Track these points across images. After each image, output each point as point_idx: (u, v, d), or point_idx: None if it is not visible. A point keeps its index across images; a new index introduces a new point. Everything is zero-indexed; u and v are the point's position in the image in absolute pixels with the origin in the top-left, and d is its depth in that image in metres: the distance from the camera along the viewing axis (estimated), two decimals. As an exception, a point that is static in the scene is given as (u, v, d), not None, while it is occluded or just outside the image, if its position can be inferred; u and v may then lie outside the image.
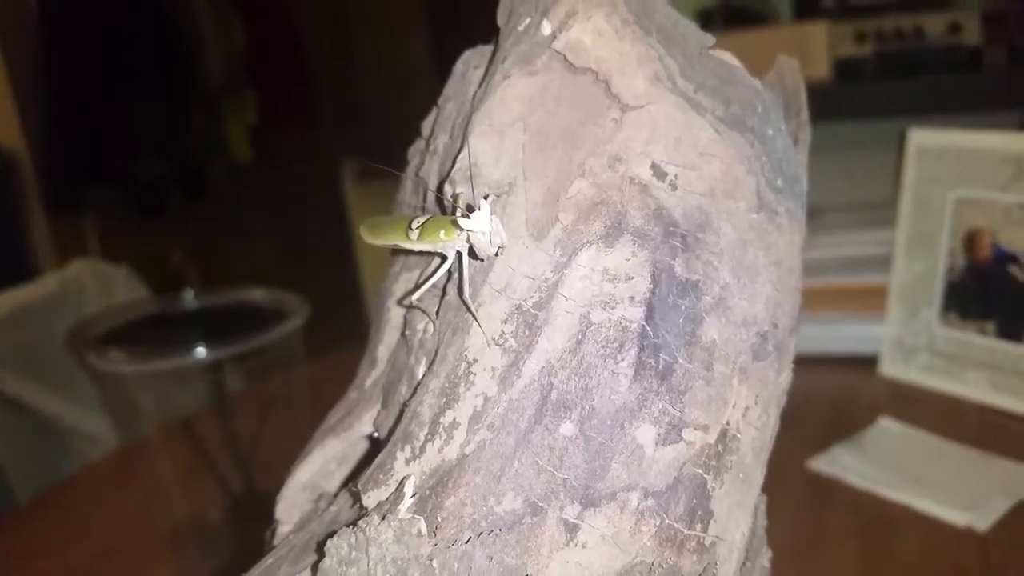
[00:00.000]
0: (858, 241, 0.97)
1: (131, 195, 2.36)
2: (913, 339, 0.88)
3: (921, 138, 0.87)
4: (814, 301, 0.94)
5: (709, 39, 0.35)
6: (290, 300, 0.91)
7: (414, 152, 0.40)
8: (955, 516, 0.64)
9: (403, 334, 0.36)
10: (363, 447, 0.40)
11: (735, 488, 0.32)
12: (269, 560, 0.36)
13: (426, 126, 0.40)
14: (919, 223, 0.88)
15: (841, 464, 0.73)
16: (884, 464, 0.72)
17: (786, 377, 0.36)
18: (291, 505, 0.39)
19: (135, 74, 2.23)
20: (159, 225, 2.42)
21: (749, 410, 0.33)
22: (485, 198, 0.31)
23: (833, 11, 1.40)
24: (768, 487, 0.73)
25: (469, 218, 0.30)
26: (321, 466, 0.39)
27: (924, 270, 0.87)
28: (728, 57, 0.35)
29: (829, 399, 0.88)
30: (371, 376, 0.39)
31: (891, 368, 0.89)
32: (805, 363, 0.95)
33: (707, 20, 1.50)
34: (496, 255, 0.31)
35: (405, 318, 0.37)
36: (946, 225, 0.86)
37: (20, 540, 0.88)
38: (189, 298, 1.01)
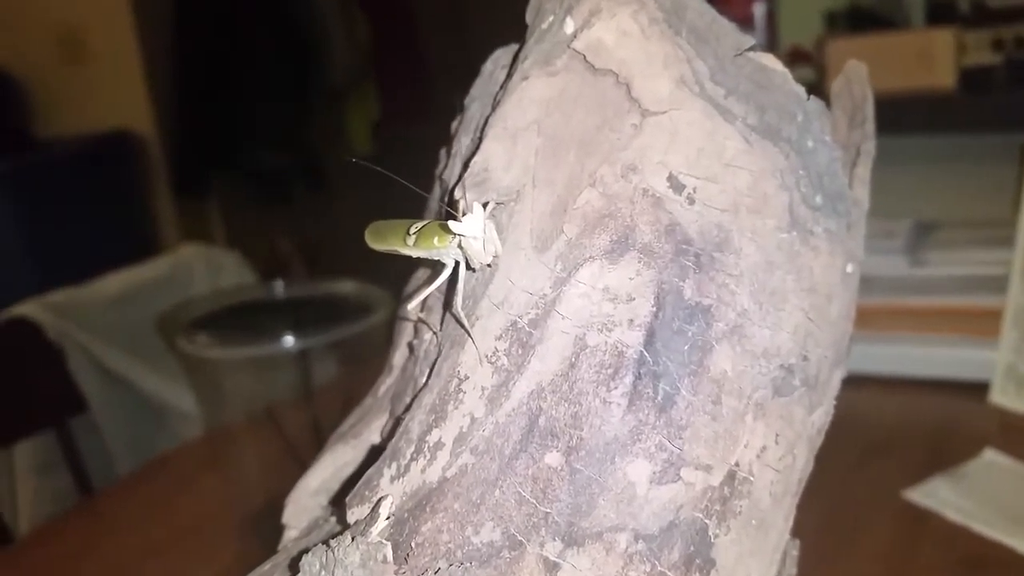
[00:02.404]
0: (973, 260, 0.91)
1: (254, 184, 2.44)
2: (1028, 367, 0.81)
3: (1046, 153, 0.80)
4: (922, 321, 0.88)
5: (747, 40, 0.32)
6: (376, 294, 0.92)
7: (443, 154, 0.39)
8: (1056, 564, 0.58)
9: (410, 343, 0.35)
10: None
11: (746, 535, 0.29)
12: (266, 566, 0.35)
13: (453, 127, 0.38)
14: (1039, 244, 0.81)
15: (939, 497, 0.68)
16: (985, 500, 0.67)
17: (822, 415, 0.32)
18: (300, 510, 0.38)
19: (263, 67, 2.30)
20: (281, 214, 2.49)
21: (767, 450, 0.29)
22: (485, 205, 0.29)
23: (969, 17, 1.31)
24: (859, 515, 0.69)
25: (461, 222, 0.28)
26: (333, 472, 0.38)
27: (1042, 295, 0.80)
28: (769, 60, 0.32)
29: (932, 426, 0.83)
30: (385, 383, 0.38)
31: (1002, 397, 0.82)
32: (908, 386, 0.90)
33: (832, 22, 1.43)
34: (490, 265, 0.29)
35: (415, 326, 0.35)
36: (1068, 248, 0.79)
37: (113, 512, 0.91)
38: (280, 288, 1.03)
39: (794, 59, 1.38)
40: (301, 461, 0.94)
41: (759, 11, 1.31)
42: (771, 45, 1.31)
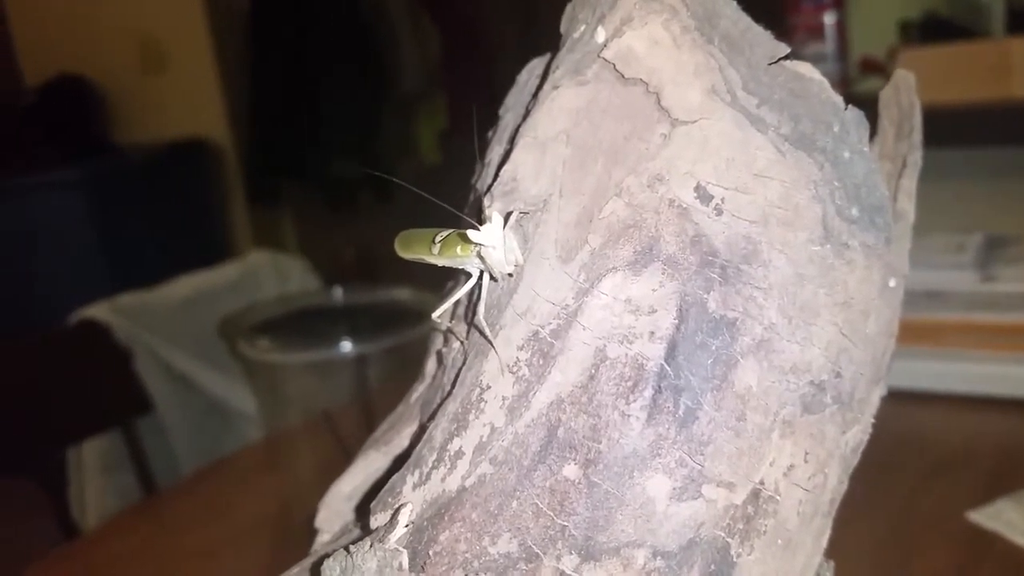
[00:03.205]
0: (1049, 276, 0.87)
1: (325, 192, 2.48)
2: (1103, 388, 0.77)
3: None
4: (992, 338, 0.86)
5: (782, 48, 0.31)
6: (433, 301, 0.92)
7: (478, 164, 0.39)
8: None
9: (439, 352, 0.35)
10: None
11: (771, 555, 0.28)
12: (295, 570, 0.36)
13: (489, 136, 0.38)
14: (1117, 261, 0.77)
15: (1004, 519, 0.66)
16: (1055, 525, 0.64)
17: (857, 433, 0.31)
18: (333, 515, 0.39)
19: (334, 77, 2.34)
20: (351, 222, 2.53)
21: (795, 469, 0.29)
22: (509, 214, 0.29)
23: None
24: (922, 535, 0.67)
25: (479, 231, 0.28)
26: (364, 478, 0.39)
27: (1119, 314, 0.77)
28: (806, 69, 0.31)
29: (1000, 446, 0.80)
30: (417, 391, 0.38)
31: (1073, 418, 0.79)
32: (976, 404, 0.87)
33: (906, 32, 1.40)
34: (511, 274, 0.29)
35: (445, 335, 0.35)
36: None
37: (174, 512, 0.94)
38: (339, 294, 1.05)
39: (865, 69, 1.35)
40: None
41: (829, 20, 1.28)
42: (842, 55, 1.28)
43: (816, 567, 0.32)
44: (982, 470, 0.76)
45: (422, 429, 0.32)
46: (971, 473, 0.76)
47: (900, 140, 0.36)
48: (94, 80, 2.54)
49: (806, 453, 0.29)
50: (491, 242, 0.27)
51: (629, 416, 0.27)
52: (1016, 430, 0.83)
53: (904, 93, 0.37)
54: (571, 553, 0.27)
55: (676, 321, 0.27)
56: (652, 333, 0.27)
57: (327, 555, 0.29)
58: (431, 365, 0.38)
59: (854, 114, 0.31)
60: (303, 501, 0.88)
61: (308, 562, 0.35)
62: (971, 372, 0.86)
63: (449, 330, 0.34)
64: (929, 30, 1.36)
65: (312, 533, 0.83)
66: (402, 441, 0.37)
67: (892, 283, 0.32)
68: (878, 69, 1.29)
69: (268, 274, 1.41)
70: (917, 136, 0.36)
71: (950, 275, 0.91)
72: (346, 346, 0.91)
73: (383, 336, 0.91)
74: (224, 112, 2.45)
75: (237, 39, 2.38)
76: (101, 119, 2.57)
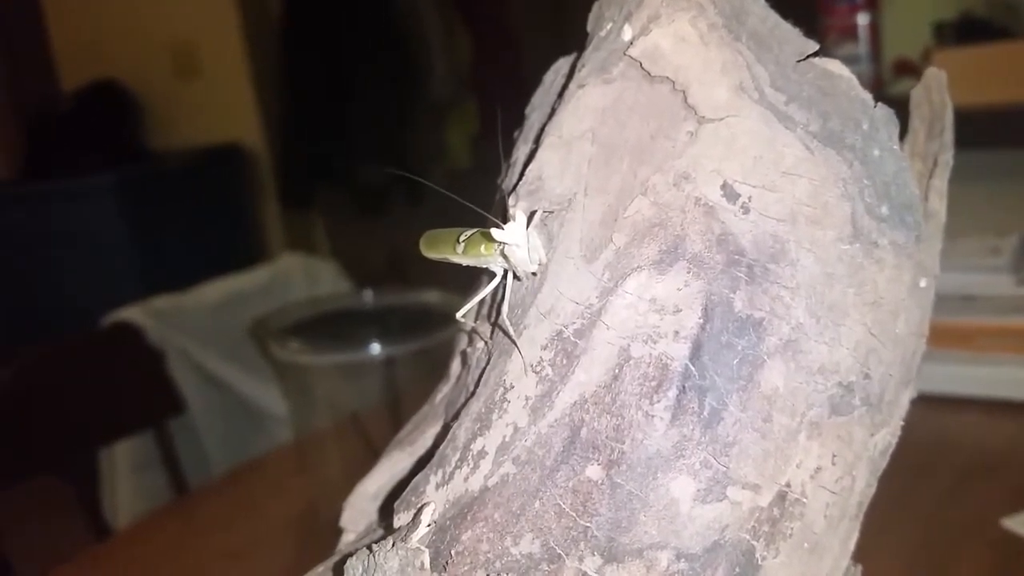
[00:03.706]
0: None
1: (357, 196, 2.49)
2: None
3: None
4: (1026, 341, 0.84)
5: (811, 45, 0.30)
6: (460, 303, 0.92)
7: (504, 164, 0.39)
8: None
9: (463, 351, 0.35)
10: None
11: (797, 559, 0.28)
12: (319, 569, 0.36)
13: (516, 136, 0.38)
14: None
15: (1039, 527, 0.65)
16: (1089, 533, 0.63)
17: (886, 436, 0.31)
18: (357, 514, 0.39)
19: (368, 84, 2.36)
20: (382, 226, 2.54)
21: (822, 471, 0.28)
22: (532, 213, 0.29)
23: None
24: (955, 541, 0.66)
25: (503, 230, 0.27)
26: (389, 478, 0.39)
27: None
28: (835, 66, 0.30)
29: (1035, 453, 0.79)
30: (442, 391, 0.38)
31: (1111, 426, 0.77)
32: (1012, 410, 0.85)
33: (941, 33, 1.38)
34: (535, 273, 0.29)
35: (469, 335, 0.35)
36: None
37: (204, 513, 0.94)
38: (369, 296, 1.05)
39: (899, 71, 1.33)
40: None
41: (862, 21, 1.27)
42: (875, 56, 1.27)
43: (843, 571, 0.31)
44: (1017, 476, 0.75)
45: (445, 429, 0.32)
46: (1005, 479, 0.74)
47: (931, 139, 0.36)
48: (130, 86, 2.58)
49: (833, 455, 0.28)
50: (515, 240, 0.27)
51: (653, 416, 0.27)
52: (1051, 436, 0.81)
53: (936, 92, 0.36)
54: (593, 554, 0.27)
55: (701, 321, 0.27)
56: (677, 333, 0.27)
57: (350, 554, 0.29)
58: (456, 366, 0.38)
59: (884, 112, 0.30)
60: (331, 502, 0.88)
61: (332, 561, 0.35)
62: (1006, 377, 0.84)
63: (473, 330, 0.34)
64: (965, 31, 1.34)
65: (337, 533, 0.84)
66: (426, 441, 0.37)
67: (923, 283, 0.32)
68: (912, 71, 1.28)
69: (299, 277, 1.42)
70: (948, 135, 0.35)
71: (985, 278, 0.89)
72: (375, 348, 0.91)
73: (412, 338, 0.91)
74: (258, 117, 2.47)
75: (270, 44, 2.40)
76: (137, 125, 2.61)
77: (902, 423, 0.32)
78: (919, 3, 1.42)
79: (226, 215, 2.50)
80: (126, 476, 1.14)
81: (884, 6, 1.30)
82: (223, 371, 1.23)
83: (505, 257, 0.28)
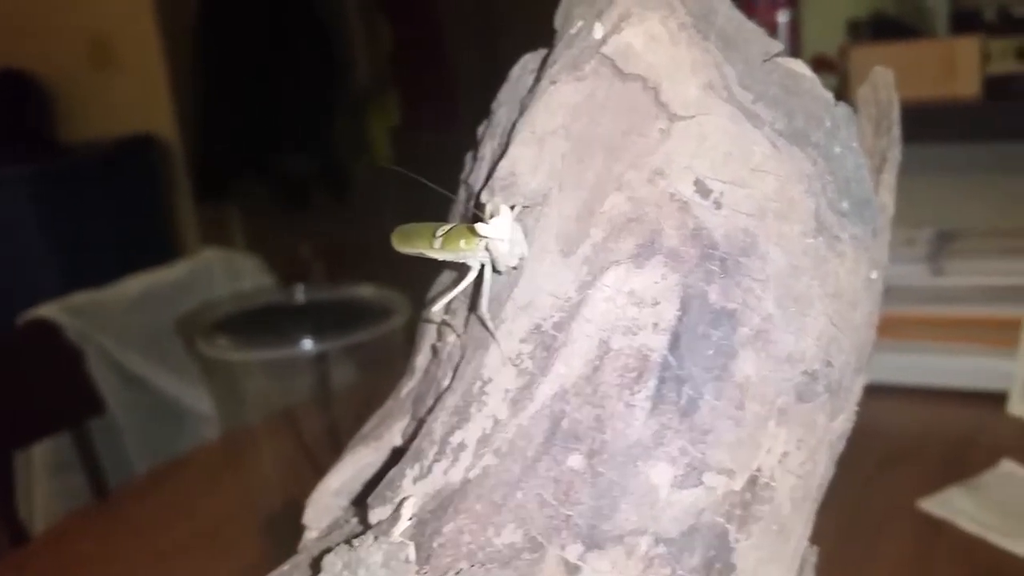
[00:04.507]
0: (995, 270, 0.90)
1: (276, 190, 2.45)
2: (1048, 379, 0.80)
3: (1070, 165, 0.80)
4: (942, 331, 0.88)
5: (776, 45, 0.32)
6: (396, 298, 0.92)
7: (469, 158, 0.39)
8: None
9: (433, 345, 0.35)
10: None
11: (766, 541, 0.29)
12: (286, 567, 0.35)
13: (480, 131, 0.38)
14: (1062, 256, 0.80)
15: (954, 507, 0.69)
16: (1002, 511, 0.67)
17: (843, 421, 0.32)
18: (321, 511, 0.38)
19: (286, 74, 2.32)
20: (301, 219, 2.51)
21: (788, 456, 0.29)
22: (512, 207, 0.29)
23: (994, 25, 1.30)
24: (874, 523, 0.68)
25: (488, 224, 0.28)
26: (353, 473, 0.38)
27: (1064, 306, 0.80)
28: (797, 65, 0.32)
29: (949, 436, 0.83)
30: (407, 386, 0.38)
31: (1019, 408, 0.82)
32: (926, 396, 0.89)
33: (855, 30, 1.43)
34: (515, 267, 0.29)
35: (439, 329, 0.35)
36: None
37: (130, 514, 0.92)
38: (300, 291, 1.03)
39: (818, 67, 1.37)
40: (318, 464, 0.95)
41: (783, 18, 1.30)
42: (795, 53, 1.30)
43: (803, 551, 0.32)
44: (932, 459, 0.79)
45: (419, 423, 0.32)
46: (922, 462, 0.78)
47: (879, 136, 0.37)
48: (41, 77, 2.48)
49: (799, 440, 0.30)
50: (500, 235, 0.28)
51: (634, 406, 0.27)
52: (964, 420, 0.85)
53: (882, 90, 0.38)
54: (576, 542, 0.27)
55: (679, 313, 0.28)
56: (656, 324, 0.28)
57: (327, 550, 0.29)
58: (421, 360, 0.38)
59: (844, 110, 0.32)
60: (265, 500, 0.87)
61: (300, 559, 0.35)
62: (921, 364, 0.88)
63: (444, 323, 0.34)
64: (878, 29, 1.39)
65: (279, 531, 0.83)
66: (393, 436, 0.37)
67: (874, 275, 0.33)
68: (830, 67, 1.32)
69: (221, 272, 1.39)
70: (896, 132, 0.37)
71: (901, 269, 0.93)
72: (307, 344, 0.90)
73: (345, 334, 0.90)
74: (173, 108, 2.41)
75: (186, 34, 2.34)
76: (48, 115, 2.51)
77: (856, 409, 0.34)
78: (835, 2, 1.46)
79: (141, 209, 2.43)
80: (43, 478, 1.10)
81: (803, 4, 1.34)
82: (144, 369, 1.20)
83: (488, 251, 0.29)
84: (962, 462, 0.76)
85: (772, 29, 1.28)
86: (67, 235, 2.21)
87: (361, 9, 2.42)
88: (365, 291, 1.00)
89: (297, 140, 2.41)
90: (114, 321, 1.18)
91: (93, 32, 2.42)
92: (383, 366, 0.87)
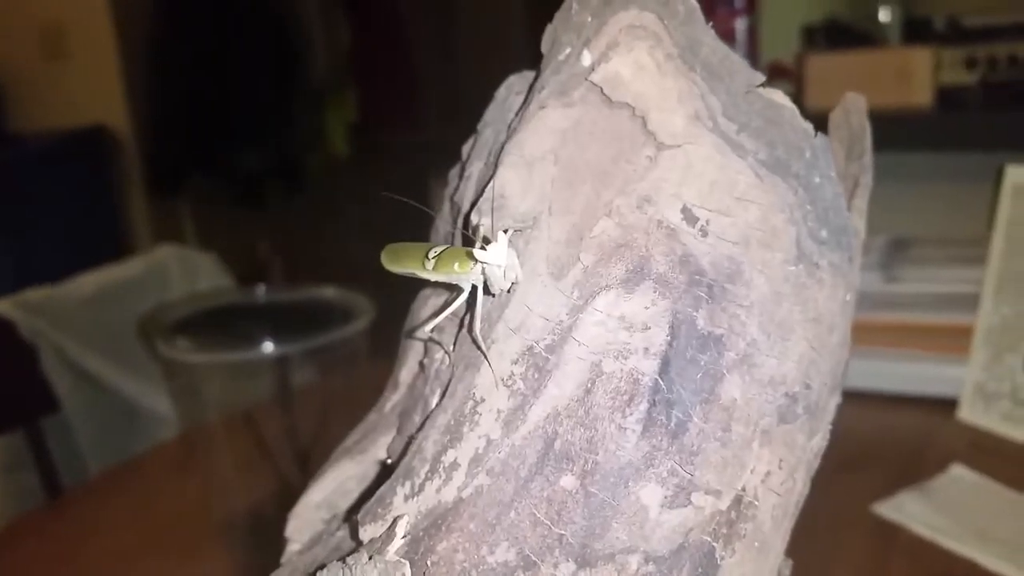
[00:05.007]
0: (946, 278, 0.93)
1: (230, 185, 2.42)
2: (996, 385, 0.83)
3: (1018, 176, 0.82)
4: (894, 337, 0.90)
5: (758, 77, 0.33)
6: (358, 300, 0.91)
7: (453, 175, 0.39)
8: (1023, 576, 0.60)
9: (421, 362, 0.35)
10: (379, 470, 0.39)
11: (748, 557, 0.30)
12: (271, 581, 0.36)
13: (465, 150, 0.39)
14: (1011, 264, 0.83)
15: (907, 511, 0.70)
16: (953, 514, 0.69)
17: (819, 441, 0.33)
18: (303, 524, 0.39)
19: (241, 68, 2.29)
20: (256, 216, 2.48)
21: (771, 475, 0.31)
22: (505, 231, 0.30)
23: (944, 35, 1.34)
24: (829, 529, 0.70)
25: (485, 250, 0.28)
26: (336, 487, 0.39)
27: (1012, 313, 0.83)
28: (778, 96, 0.33)
29: (901, 441, 0.85)
30: (391, 400, 0.39)
31: (970, 414, 0.85)
32: (878, 401, 0.91)
33: (811, 37, 1.45)
34: (508, 290, 0.30)
35: (426, 345, 0.36)
36: (1039, 269, 0.81)
37: (85, 515, 0.91)
38: (261, 292, 1.03)
39: (773, 74, 1.40)
40: (278, 466, 0.94)
41: (740, 26, 1.33)
42: (752, 60, 1.33)
43: (779, 565, 0.34)
44: (885, 464, 0.80)
45: (408, 440, 0.33)
46: (874, 467, 0.79)
47: (851, 161, 0.39)
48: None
49: (780, 460, 0.31)
50: (497, 261, 0.28)
51: (625, 429, 0.28)
52: (916, 426, 0.88)
53: (855, 115, 0.39)
54: (568, 560, 0.28)
55: (669, 338, 0.29)
56: (647, 349, 0.29)
57: (321, 567, 0.30)
58: (406, 374, 0.38)
59: (823, 141, 0.33)
60: (223, 502, 0.87)
61: (284, 572, 0.35)
62: (873, 370, 0.90)
63: (431, 339, 0.34)
64: (832, 36, 1.42)
65: (237, 532, 0.82)
66: (377, 450, 0.37)
67: (848, 297, 0.35)
68: (786, 74, 1.35)
69: (177, 270, 1.37)
70: (868, 158, 0.38)
71: (855, 276, 0.95)
72: (268, 346, 0.90)
73: (306, 336, 0.90)
74: (125, 100, 2.37)
75: (140, 26, 2.30)
76: (-2, 108, 2.46)
77: (830, 427, 0.35)
78: (790, 8, 1.49)
79: (91, 202, 2.38)
80: (-5, 478, 1.08)
81: (759, 10, 1.36)
82: (99, 367, 1.18)
83: (483, 275, 0.29)
84: (914, 467, 0.78)
85: (730, 36, 1.30)
86: (16, 227, 2.16)
87: (320, 3, 2.40)
88: (327, 292, 1.00)
89: (252, 135, 2.39)
90: (69, 318, 1.16)
91: (45, 22, 2.37)
92: (344, 368, 0.87)
